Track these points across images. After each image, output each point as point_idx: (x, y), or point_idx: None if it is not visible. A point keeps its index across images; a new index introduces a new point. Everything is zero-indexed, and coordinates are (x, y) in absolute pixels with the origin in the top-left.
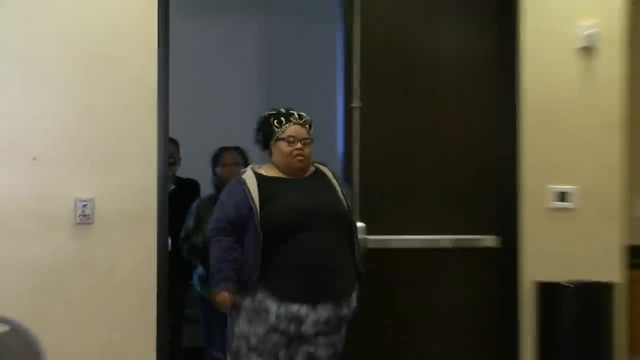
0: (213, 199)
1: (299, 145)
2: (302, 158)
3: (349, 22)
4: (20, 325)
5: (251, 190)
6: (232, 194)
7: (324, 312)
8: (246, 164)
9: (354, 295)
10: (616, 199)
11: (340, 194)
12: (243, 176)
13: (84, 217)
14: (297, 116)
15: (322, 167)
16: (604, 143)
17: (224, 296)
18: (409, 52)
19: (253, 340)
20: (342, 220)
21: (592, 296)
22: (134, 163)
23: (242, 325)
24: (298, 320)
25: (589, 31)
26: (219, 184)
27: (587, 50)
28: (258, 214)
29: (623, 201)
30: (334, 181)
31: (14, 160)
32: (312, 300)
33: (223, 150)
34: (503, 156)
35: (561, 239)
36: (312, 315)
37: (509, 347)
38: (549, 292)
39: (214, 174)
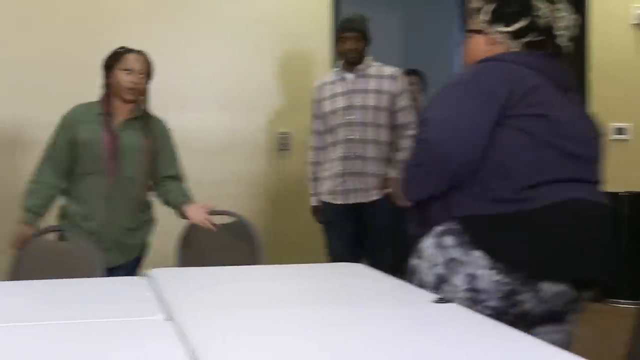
0: None
1: None
2: None
3: None
4: (242, 216)
5: None
6: None
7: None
8: None
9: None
10: None
11: None
12: None
13: (284, 146)
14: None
15: None
16: None
17: None
18: None
19: None
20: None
21: None
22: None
23: None
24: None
25: (639, 11)
26: None
27: (638, 26)
28: None
29: None
30: None
31: (235, 107)
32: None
33: None
34: None
35: (619, 161)
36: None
37: None
38: (610, 199)
39: None
